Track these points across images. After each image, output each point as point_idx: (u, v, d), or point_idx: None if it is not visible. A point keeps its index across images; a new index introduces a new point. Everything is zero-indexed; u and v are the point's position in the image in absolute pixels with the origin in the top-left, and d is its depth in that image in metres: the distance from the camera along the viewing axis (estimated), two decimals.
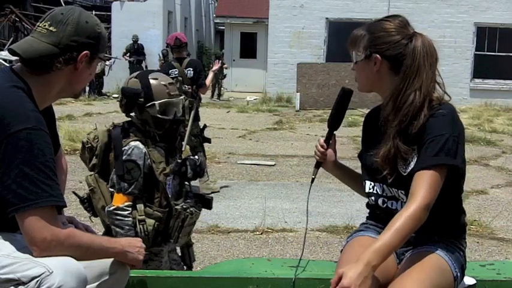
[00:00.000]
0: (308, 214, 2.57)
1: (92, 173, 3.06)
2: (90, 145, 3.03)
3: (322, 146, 2.40)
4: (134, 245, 2.10)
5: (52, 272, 1.80)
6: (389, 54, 2.17)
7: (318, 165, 2.43)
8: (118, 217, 2.92)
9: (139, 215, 2.93)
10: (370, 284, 1.94)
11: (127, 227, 2.92)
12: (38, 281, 1.80)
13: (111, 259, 2.07)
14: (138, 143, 2.97)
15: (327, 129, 2.41)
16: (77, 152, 9.05)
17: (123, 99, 3.06)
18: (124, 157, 2.93)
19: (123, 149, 2.94)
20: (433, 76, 2.18)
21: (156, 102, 2.99)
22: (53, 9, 2.08)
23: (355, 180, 2.45)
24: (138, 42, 19.00)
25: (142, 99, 3.00)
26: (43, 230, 1.83)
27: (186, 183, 3.19)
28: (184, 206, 3.06)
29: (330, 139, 2.41)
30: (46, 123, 1.94)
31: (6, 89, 1.91)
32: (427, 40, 2.19)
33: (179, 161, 3.11)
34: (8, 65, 10.46)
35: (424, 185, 2.05)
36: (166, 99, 3.02)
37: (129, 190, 2.92)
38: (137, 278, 2.38)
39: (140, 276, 2.40)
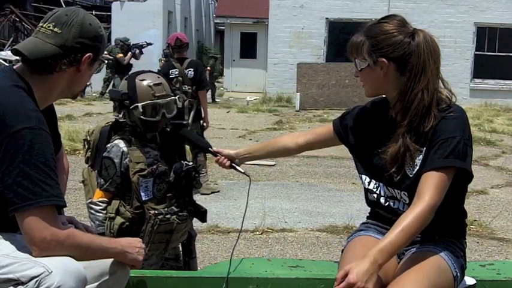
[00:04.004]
0: (245, 214, 2.84)
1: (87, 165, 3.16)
2: (86, 139, 3.13)
3: (216, 162, 2.70)
4: (134, 246, 2.10)
5: (51, 271, 1.80)
6: (395, 56, 2.15)
7: (234, 168, 2.69)
8: (91, 211, 3.00)
9: (110, 212, 2.96)
10: (375, 282, 1.95)
11: (97, 222, 2.97)
12: (37, 281, 1.80)
13: (111, 259, 2.06)
14: (119, 141, 2.99)
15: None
16: (77, 152, 9.06)
17: (114, 102, 3.09)
18: (104, 154, 2.98)
19: (107, 146, 3.00)
20: (438, 72, 2.17)
21: (139, 104, 2.95)
22: (56, 9, 2.07)
23: (270, 151, 2.70)
24: (127, 42, 18.57)
25: (127, 102, 2.99)
26: (43, 230, 1.83)
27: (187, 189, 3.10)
28: (157, 212, 2.94)
29: (216, 155, 2.69)
30: (47, 123, 1.94)
31: (7, 89, 1.91)
32: (429, 36, 2.17)
33: (160, 165, 3.01)
34: (8, 65, 10.46)
35: (431, 186, 2.05)
36: (149, 101, 2.96)
37: (104, 186, 2.97)
38: (137, 278, 2.38)
39: (140, 276, 2.40)
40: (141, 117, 2.96)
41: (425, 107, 2.13)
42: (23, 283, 1.81)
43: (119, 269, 2.09)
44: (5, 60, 16.59)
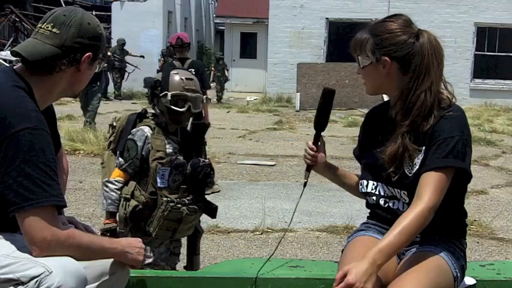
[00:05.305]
0: (292, 218, 2.63)
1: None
2: (112, 124, 3.31)
3: (311, 149, 2.37)
4: (134, 246, 2.10)
5: (51, 272, 1.80)
6: (398, 55, 2.15)
7: (309, 169, 2.40)
8: (106, 189, 3.14)
9: (126, 194, 3.10)
10: (374, 282, 1.95)
11: (109, 201, 3.13)
12: (37, 281, 1.80)
13: (111, 259, 2.06)
14: (144, 127, 3.17)
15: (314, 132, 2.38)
16: (77, 152, 9.06)
17: (148, 89, 3.29)
18: (129, 136, 3.15)
19: (132, 130, 3.17)
20: (441, 74, 2.17)
21: (169, 92, 3.14)
22: (54, 9, 2.07)
23: (346, 180, 2.45)
24: (124, 48, 18.13)
25: (159, 89, 3.18)
26: (43, 230, 1.83)
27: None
28: (169, 199, 3.07)
29: (318, 141, 2.38)
30: (47, 123, 1.94)
31: (8, 89, 1.91)
32: (433, 37, 2.17)
33: (180, 157, 3.17)
34: (8, 65, 10.42)
35: (431, 186, 2.05)
36: (178, 91, 3.14)
37: (124, 166, 3.13)
38: (137, 278, 2.37)
39: (140, 276, 2.40)
40: (169, 105, 3.13)
41: (428, 108, 2.12)
42: (23, 283, 1.81)
43: (119, 269, 2.09)
44: (5, 60, 16.57)
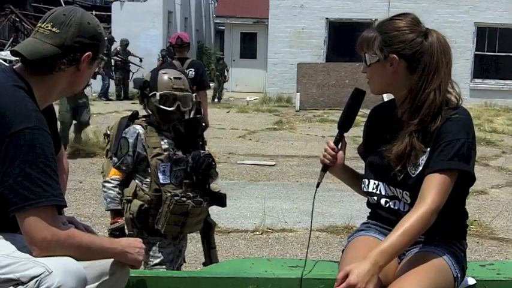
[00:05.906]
0: (312, 219, 2.50)
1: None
2: (106, 133, 3.35)
3: (333, 149, 2.31)
4: (134, 246, 2.10)
5: (51, 272, 1.80)
6: (406, 53, 2.13)
7: (325, 169, 2.34)
8: (104, 189, 3.18)
9: (127, 196, 3.13)
10: (375, 283, 1.95)
11: (109, 199, 3.16)
12: (37, 281, 1.80)
13: (111, 259, 2.06)
14: (136, 125, 3.20)
15: (337, 131, 2.34)
16: (77, 152, 9.06)
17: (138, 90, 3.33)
18: (121, 135, 3.18)
19: (124, 130, 3.19)
20: (450, 73, 2.17)
21: (157, 92, 3.16)
22: (54, 9, 2.07)
23: (359, 183, 2.39)
24: (127, 49, 18.03)
25: (148, 90, 3.21)
26: (43, 230, 1.83)
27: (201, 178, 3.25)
28: (173, 193, 3.09)
29: (340, 141, 2.33)
30: (47, 123, 1.94)
31: (8, 88, 1.91)
32: (442, 36, 2.18)
33: (178, 152, 3.19)
34: (8, 65, 10.41)
35: (434, 188, 2.04)
36: (167, 91, 3.16)
37: (117, 164, 3.16)
38: (137, 278, 2.37)
39: (140, 276, 2.40)
40: (158, 105, 3.16)
41: (437, 107, 2.11)
42: (23, 283, 1.81)
43: (119, 269, 2.09)
44: (5, 60, 16.56)
